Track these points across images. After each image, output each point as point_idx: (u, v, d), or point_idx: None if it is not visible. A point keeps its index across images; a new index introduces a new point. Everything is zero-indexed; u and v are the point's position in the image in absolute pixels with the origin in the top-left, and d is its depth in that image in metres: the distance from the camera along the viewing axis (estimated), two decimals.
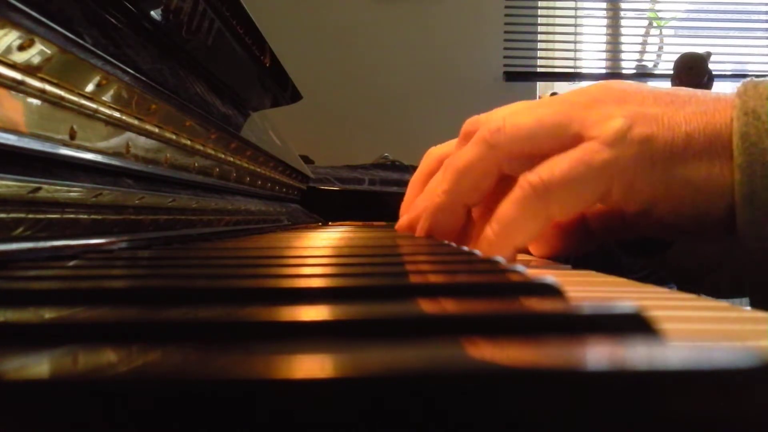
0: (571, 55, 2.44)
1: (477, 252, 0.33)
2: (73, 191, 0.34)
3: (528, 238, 0.38)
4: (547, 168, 0.36)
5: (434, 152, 0.51)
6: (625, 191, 0.36)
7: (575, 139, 0.36)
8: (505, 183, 0.39)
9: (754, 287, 0.37)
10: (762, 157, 0.33)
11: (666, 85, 2.17)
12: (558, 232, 0.43)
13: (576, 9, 2.45)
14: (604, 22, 2.50)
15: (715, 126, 0.35)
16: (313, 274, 0.23)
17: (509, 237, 0.37)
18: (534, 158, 0.37)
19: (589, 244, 0.43)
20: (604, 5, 2.49)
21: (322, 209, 1.14)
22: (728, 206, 0.35)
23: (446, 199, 0.43)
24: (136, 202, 0.41)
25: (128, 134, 0.42)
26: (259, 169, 0.80)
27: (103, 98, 0.37)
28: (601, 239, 0.43)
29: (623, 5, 2.49)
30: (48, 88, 0.31)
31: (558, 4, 2.45)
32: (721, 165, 0.35)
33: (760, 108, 0.34)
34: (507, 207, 0.37)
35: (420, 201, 0.49)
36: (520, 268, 0.22)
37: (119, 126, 0.40)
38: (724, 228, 0.36)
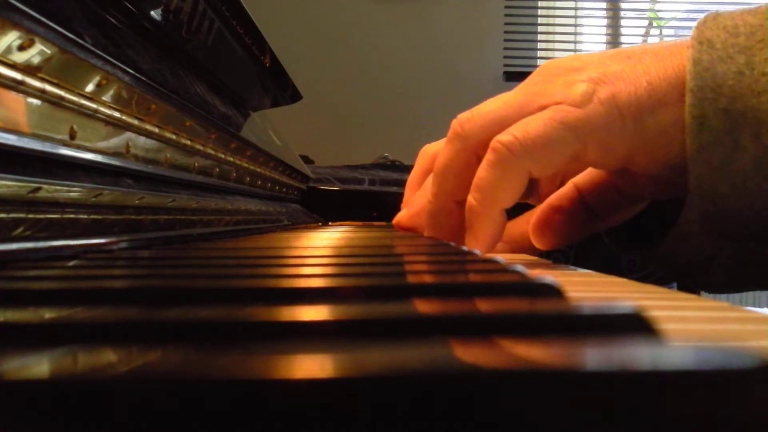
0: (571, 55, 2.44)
1: (477, 252, 0.33)
2: (73, 191, 0.34)
3: (511, 198, 0.39)
4: (521, 127, 0.37)
5: (428, 150, 0.51)
6: (601, 149, 0.37)
7: (542, 110, 0.37)
8: None
9: (699, 222, 0.37)
10: (713, 82, 0.34)
11: None
12: (561, 219, 0.43)
13: (576, 9, 2.45)
14: (604, 22, 2.50)
15: (674, 69, 0.36)
16: (313, 274, 0.23)
17: (493, 201, 0.38)
18: None
19: (593, 224, 0.43)
20: (604, 5, 2.49)
21: (322, 209, 1.14)
22: None
23: (435, 202, 0.43)
24: (136, 202, 0.41)
25: (128, 134, 0.42)
26: (259, 169, 0.80)
27: (103, 98, 0.37)
28: (603, 218, 0.43)
29: (623, 5, 2.49)
30: (48, 88, 0.31)
31: (558, 4, 2.45)
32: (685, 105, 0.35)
33: (715, 37, 0.35)
34: (484, 171, 0.38)
35: (417, 198, 0.49)
36: (520, 268, 0.22)
37: (119, 126, 0.40)
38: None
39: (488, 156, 0.37)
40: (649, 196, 0.42)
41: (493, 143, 0.37)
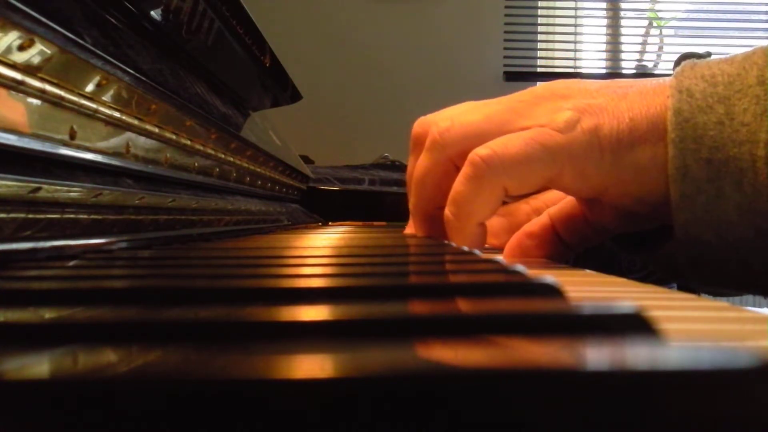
0: (571, 55, 2.44)
1: (477, 252, 0.33)
2: (73, 191, 0.34)
3: (487, 212, 0.39)
4: (500, 142, 0.37)
5: (422, 120, 0.52)
6: (576, 177, 0.37)
7: (523, 130, 0.37)
8: None
9: (686, 267, 0.37)
10: (694, 132, 0.34)
11: None
12: (533, 245, 0.44)
13: (576, 9, 2.45)
14: (604, 22, 2.50)
15: (656, 108, 0.36)
16: (313, 274, 0.23)
17: (469, 214, 0.38)
18: None
19: (564, 252, 0.44)
20: (604, 5, 2.49)
21: (322, 209, 1.14)
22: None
23: (416, 212, 0.44)
24: (136, 202, 0.41)
25: (128, 134, 0.42)
26: (259, 169, 0.80)
27: (103, 98, 0.37)
28: (572, 247, 0.44)
29: (623, 5, 2.49)
30: (48, 88, 0.31)
31: (558, 4, 2.45)
32: (664, 145, 0.36)
33: (694, 86, 0.35)
34: (460, 185, 0.38)
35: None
36: (520, 268, 0.22)
37: (119, 126, 0.40)
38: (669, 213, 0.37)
39: (465, 169, 0.38)
40: (615, 229, 0.43)
41: (471, 156, 0.37)
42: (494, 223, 0.48)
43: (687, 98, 0.35)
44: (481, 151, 0.37)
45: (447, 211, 0.39)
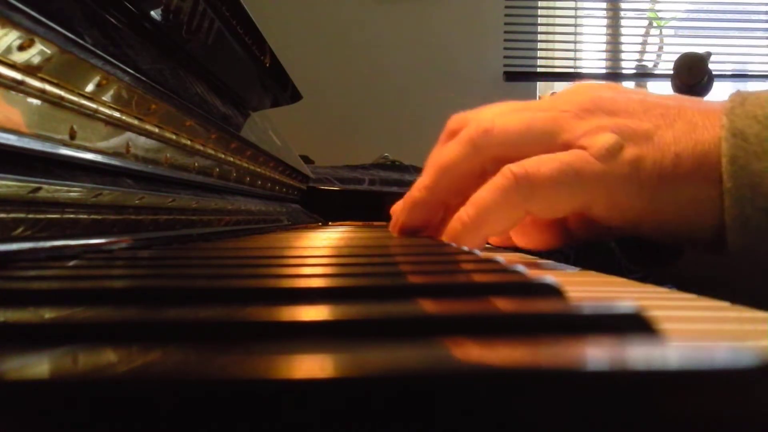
0: (571, 55, 2.44)
1: (477, 252, 0.33)
2: (73, 191, 0.34)
3: (500, 227, 0.38)
4: (535, 163, 0.36)
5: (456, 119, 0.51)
6: (610, 208, 0.36)
7: (563, 148, 0.36)
8: (484, 182, 0.39)
9: (753, 297, 0.37)
10: (750, 181, 0.33)
11: (666, 85, 2.17)
12: (536, 225, 0.42)
13: (576, 9, 2.45)
14: (604, 22, 2.50)
15: (703, 145, 0.35)
16: (313, 274, 0.23)
17: (482, 223, 0.37)
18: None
19: (567, 241, 0.43)
20: (604, 5, 2.49)
21: (322, 209, 1.14)
22: (714, 228, 0.35)
23: (425, 194, 0.42)
24: (136, 202, 0.41)
25: (128, 134, 0.42)
26: (259, 169, 0.79)
27: (103, 98, 0.37)
28: (581, 240, 0.43)
29: (623, 5, 2.48)
30: (48, 88, 0.31)
31: (558, 4, 2.45)
32: (709, 187, 0.34)
33: (747, 129, 0.34)
34: (486, 192, 0.37)
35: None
36: (520, 268, 0.22)
37: (119, 126, 0.40)
38: (711, 246, 0.36)
39: (496, 179, 0.36)
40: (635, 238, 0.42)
41: (505, 170, 0.36)
42: None
43: (741, 143, 0.33)
44: (516, 168, 0.36)
45: (463, 211, 0.38)
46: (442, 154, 0.41)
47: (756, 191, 0.33)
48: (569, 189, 0.35)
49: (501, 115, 0.39)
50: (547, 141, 0.37)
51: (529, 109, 0.39)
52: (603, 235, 0.42)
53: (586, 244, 0.47)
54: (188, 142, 0.53)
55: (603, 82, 0.40)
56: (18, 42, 0.29)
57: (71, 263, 0.28)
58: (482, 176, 0.39)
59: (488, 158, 0.39)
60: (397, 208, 0.50)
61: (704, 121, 0.35)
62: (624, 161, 0.35)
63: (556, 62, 2.44)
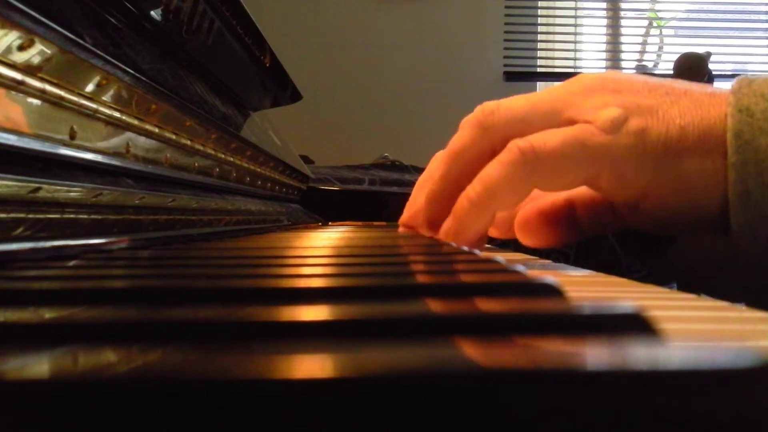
0: (571, 55, 2.44)
1: (477, 252, 0.33)
2: (73, 191, 0.34)
3: (508, 203, 0.38)
4: (540, 137, 0.36)
5: (440, 154, 0.51)
6: (615, 180, 0.36)
7: (568, 124, 0.37)
8: None
9: (748, 287, 0.37)
10: (755, 156, 0.33)
11: None
12: (544, 221, 0.43)
13: (576, 9, 2.45)
14: (604, 22, 2.50)
15: (709, 120, 0.35)
16: (313, 274, 0.23)
17: (490, 199, 0.37)
18: None
19: (575, 235, 0.43)
20: (604, 5, 2.49)
21: (322, 209, 1.14)
22: (719, 203, 0.35)
23: (441, 184, 0.42)
24: (136, 202, 0.41)
25: (128, 134, 0.42)
26: (259, 169, 0.80)
27: (103, 98, 0.37)
28: (589, 232, 0.43)
29: (623, 5, 2.48)
30: (48, 88, 0.31)
31: (558, 4, 2.45)
32: (714, 160, 0.35)
33: (753, 105, 0.34)
34: (492, 168, 0.37)
35: (417, 197, 0.49)
36: (520, 268, 0.22)
37: (119, 126, 0.40)
38: (714, 225, 0.36)
39: (502, 155, 0.37)
40: (645, 230, 0.42)
41: (511, 145, 0.36)
42: (498, 215, 0.47)
43: (747, 118, 0.34)
44: (521, 142, 0.36)
45: (469, 188, 0.38)
46: (453, 142, 0.42)
47: (761, 166, 0.33)
48: (575, 161, 0.36)
49: (507, 100, 0.40)
50: (553, 118, 0.37)
51: (535, 94, 0.40)
52: (608, 225, 0.42)
53: (588, 241, 0.47)
54: (188, 142, 0.53)
55: (607, 71, 0.40)
56: (18, 42, 0.29)
57: (71, 263, 0.28)
58: (494, 157, 0.39)
59: (497, 139, 0.39)
60: (404, 219, 0.51)
61: (710, 99, 0.36)
62: (629, 132, 0.35)
63: (556, 62, 2.44)
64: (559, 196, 0.43)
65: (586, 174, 0.36)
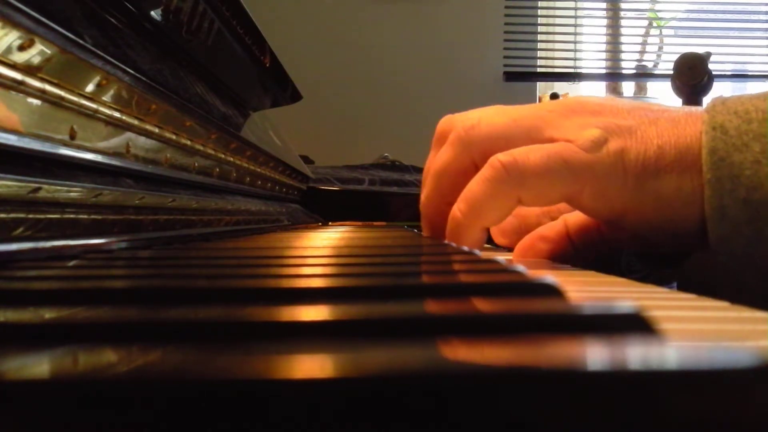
0: (571, 55, 2.44)
1: (477, 252, 0.33)
2: (73, 191, 0.34)
3: (495, 218, 0.39)
4: (523, 152, 0.37)
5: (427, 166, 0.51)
6: (596, 198, 0.37)
7: (549, 142, 0.37)
8: None
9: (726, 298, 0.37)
10: (730, 172, 0.34)
11: (666, 85, 2.17)
12: (545, 248, 0.43)
13: (576, 9, 2.45)
14: (604, 22, 2.50)
15: (686, 139, 0.36)
16: (313, 274, 0.23)
17: (477, 216, 0.38)
18: None
19: (573, 258, 0.44)
20: (604, 5, 2.49)
21: (322, 209, 1.14)
22: (698, 219, 0.36)
23: (429, 203, 0.43)
24: (136, 202, 0.41)
25: (128, 134, 0.42)
26: (259, 169, 0.79)
27: (103, 98, 0.37)
28: (583, 255, 0.43)
29: (623, 5, 2.48)
30: (48, 88, 0.31)
31: (558, 4, 2.45)
32: (691, 178, 0.35)
33: (727, 123, 0.35)
34: (475, 185, 0.38)
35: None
36: (520, 268, 0.22)
37: (119, 126, 0.40)
38: (694, 241, 0.37)
39: (484, 171, 0.37)
40: (627, 249, 0.42)
41: (492, 160, 0.37)
42: (505, 222, 0.47)
43: (721, 135, 0.34)
44: (503, 157, 0.36)
45: (455, 208, 0.39)
46: (436, 160, 0.42)
47: (735, 182, 0.34)
48: (558, 176, 0.36)
49: (488, 115, 0.41)
50: (533, 135, 0.38)
51: (516, 110, 0.41)
52: (599, 245, 0.43)
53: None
54: (188, 142, 0.53)
55: (588, 95, 0.41)
56: (18, 42, 0.29)
57: (71, 263, 0.28)
58: (476, 172, 0.40)
59: (477, 154, 0.40)
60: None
61: (687, 119, 0.37)
62: (609, 152, 0.36)
63: (556, 62, 2.44)
64: (558, 223, 0.43)
65: (568, 190, 0.37)
